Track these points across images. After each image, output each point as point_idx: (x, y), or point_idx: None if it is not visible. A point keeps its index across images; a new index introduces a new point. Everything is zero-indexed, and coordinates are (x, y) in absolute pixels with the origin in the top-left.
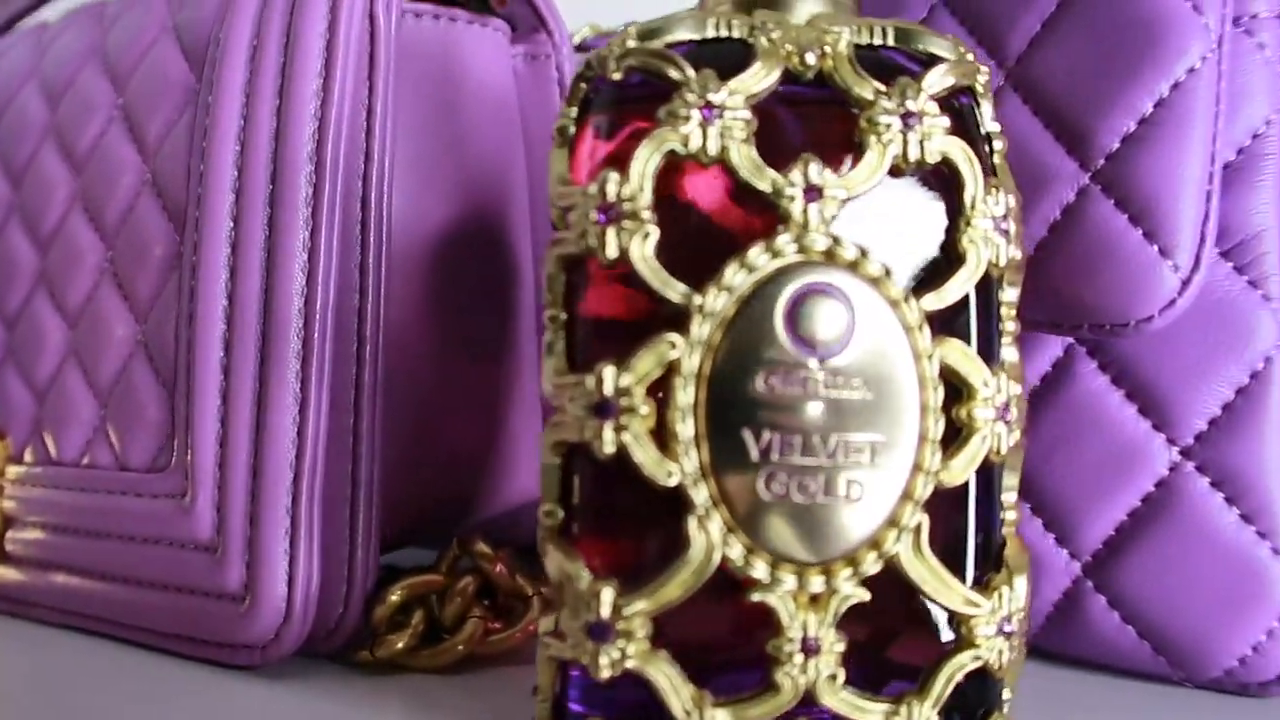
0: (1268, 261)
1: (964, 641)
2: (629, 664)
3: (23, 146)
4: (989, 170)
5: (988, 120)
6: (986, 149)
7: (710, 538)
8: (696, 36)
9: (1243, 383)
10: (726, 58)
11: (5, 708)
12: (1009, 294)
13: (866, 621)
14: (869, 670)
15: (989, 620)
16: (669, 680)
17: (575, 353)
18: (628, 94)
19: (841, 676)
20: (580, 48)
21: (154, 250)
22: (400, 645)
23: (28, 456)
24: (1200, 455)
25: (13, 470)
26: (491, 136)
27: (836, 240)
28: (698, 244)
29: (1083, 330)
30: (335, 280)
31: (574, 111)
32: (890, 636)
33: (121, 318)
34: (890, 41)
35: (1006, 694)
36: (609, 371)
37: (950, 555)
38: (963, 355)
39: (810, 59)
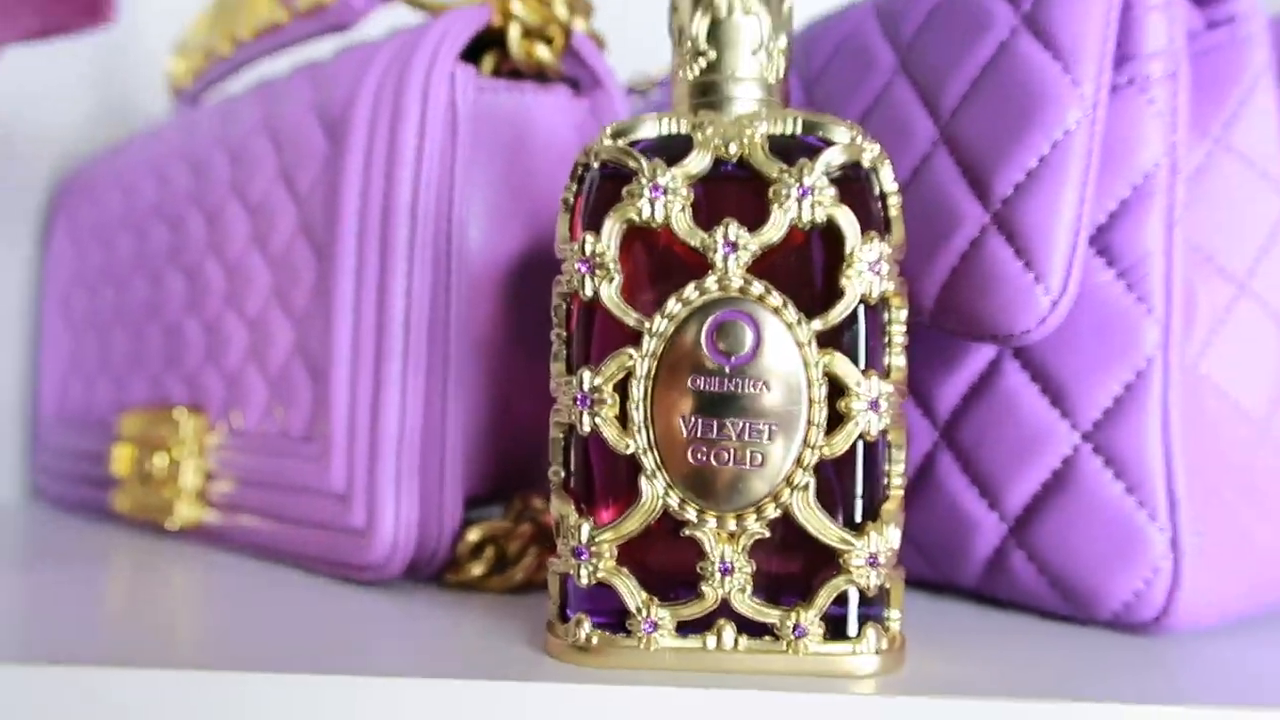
0: (1153, 280)
1: (841, 570)
2: (600, 575)
3: (213, 196)
4: (880, 223)
5: (886, 183)
6: (881, 205)
7: (655, 490)
8: (655, 134)
9: (1130, 380)
10: (677, 148)
11: (211, 611)
12: (899, 315)
13: (799, 558)
14: (799, 591)
15: (859, 554)
16: (627, 588)
17: (570, 359)
18: (608, 174)
19: (749, 590)
20: (632, 90)
21: (304, 276)
22: (477, 572)
23: (219, 428)
24: (1096, 438)
25: (210, 438)
26: (555, 180)
27: (748, 281)
28: (675, 273)
29: (984, 339)
30: (428, 301)
31: (574, 186)
32: (814, 570)
33: (283, 326)
34: (800, 130)
35: (895, 614)
36: (586, 374)
37: (844, 506)
38: (841, 363)
39: (733, 149)
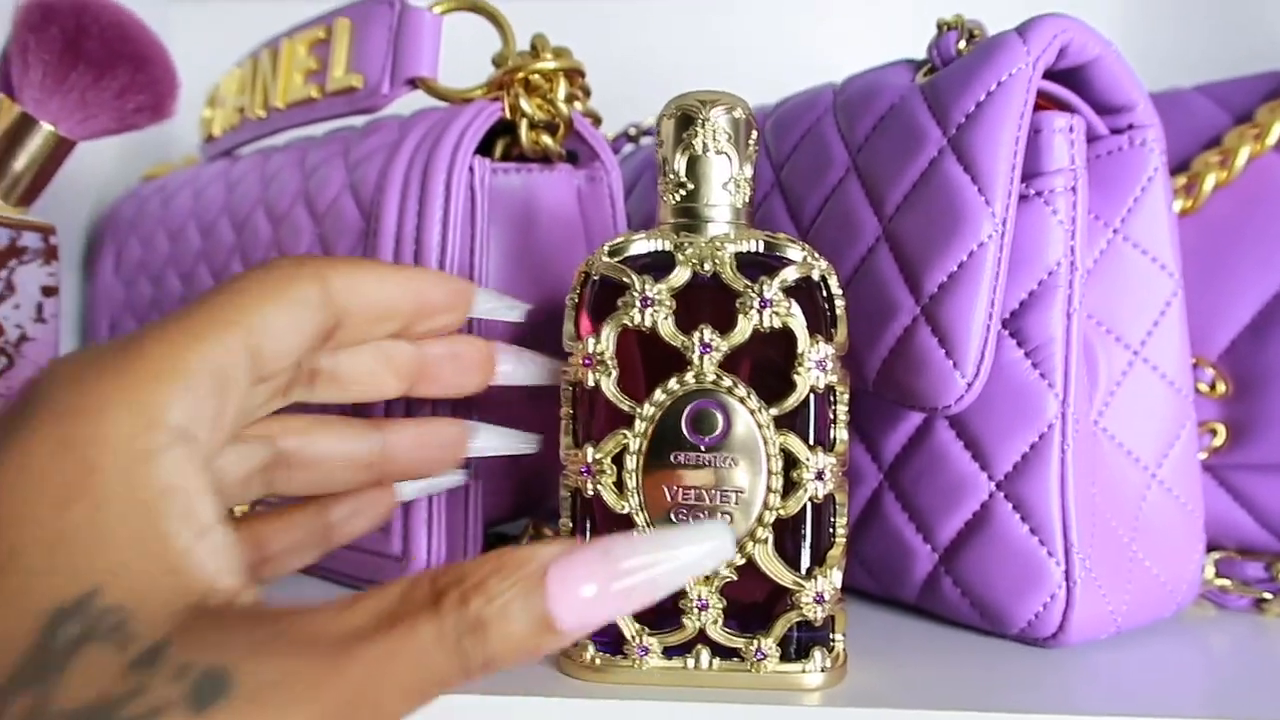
0: (1054, 360)
1: (793, 605)
2: None
3: (256, 253)
4: (826, 325)
5: (833, 288)
6: (828, 307)
7: None
8: (645, 250)
9: (1034, 441)
10: (662, 263)
11: None
12: (842, 398)
13: (762, 591)
14: (762, 619)
15: (808, 594)
16: (624, 620)
17: (576, 435)
18: (606, 284)
19: (721, 621)
20: (623, 136)
21: None
22: None
23: None
24: (1007, 488)
25: None
26: (558, 247)
27: (719, 375)
28: (663, 363)
29: (915, 409)
30: None
31: (578, 290)
32: (775, 601)
33: None
34: (761, 249)
35: (839, 637)
36: (590, 449)
37: (795, 554)
38: (794, 441)
39: (707, 266)
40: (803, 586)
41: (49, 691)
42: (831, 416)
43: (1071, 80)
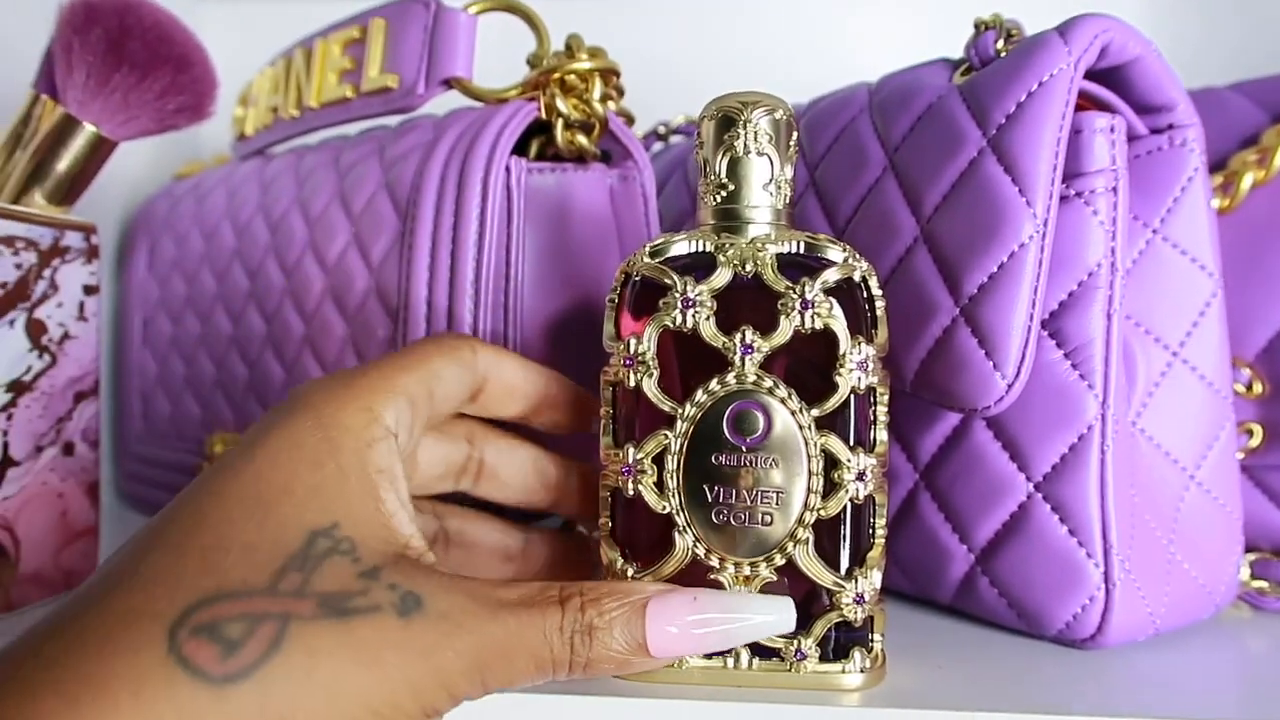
0: (1094, 361)
1: (833, 606)
2: None
3: (291, 253)
4: (868, 326)
5: (874, 289)
6: (869, 308)
7: (686, 542)
8: (686, 251)
9: (1074, 442)
10: (703, 263)
11: None
12: (882, 399)
13: (800, 591)
14: (800, 619)
15: (848, 594)
16: None
17: (616, 435)
18: (647, 285)
19: None
20: (652, 134)
21: (378, 332)
22: None
23: None
24: (1045, 488)
25: None
26: (591, 246)
27: (760, 376)
28: (699, 363)
29: (954, 409)
30: None
31: (618, 290)
32: (811, 601)
33: None
34: (802, 250)
35: (878, 638)
36: (631, 449)
37: (835, 554)
38: (834, 442)
39: (748, 267)
40: (843, 587)
41: (308, 577)
42: (872, 417)
43: (1111, 80)
